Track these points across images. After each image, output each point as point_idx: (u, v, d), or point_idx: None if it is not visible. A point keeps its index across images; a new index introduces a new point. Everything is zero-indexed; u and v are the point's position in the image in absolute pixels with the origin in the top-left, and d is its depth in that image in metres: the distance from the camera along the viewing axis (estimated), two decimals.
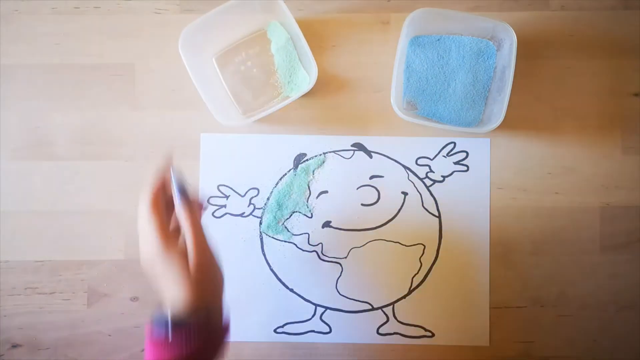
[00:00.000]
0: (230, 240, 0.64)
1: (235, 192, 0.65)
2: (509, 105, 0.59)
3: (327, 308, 0.64)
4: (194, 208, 0.49)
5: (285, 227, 0.64)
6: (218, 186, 0.65)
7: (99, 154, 0.65)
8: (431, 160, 0.65)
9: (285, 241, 0.64)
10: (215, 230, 0.64)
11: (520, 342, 0.64)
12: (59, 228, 0.65)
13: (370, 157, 0.65)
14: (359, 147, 0.65)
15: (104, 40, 0.66)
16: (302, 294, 0.64)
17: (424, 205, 0.64)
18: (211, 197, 0.65)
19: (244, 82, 0.65)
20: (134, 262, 0.64)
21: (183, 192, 0.49)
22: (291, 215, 0.65)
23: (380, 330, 0.64)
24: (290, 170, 0.65)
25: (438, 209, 0.65)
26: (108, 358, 0.64)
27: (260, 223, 0.65)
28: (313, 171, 0.65)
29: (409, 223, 0.64)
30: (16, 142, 0.65)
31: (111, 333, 0.64)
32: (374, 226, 0.64)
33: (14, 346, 0.64)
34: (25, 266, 0.65)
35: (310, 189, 0.65)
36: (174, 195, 0.49)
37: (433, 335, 0.64)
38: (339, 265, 0.64)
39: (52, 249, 0.65)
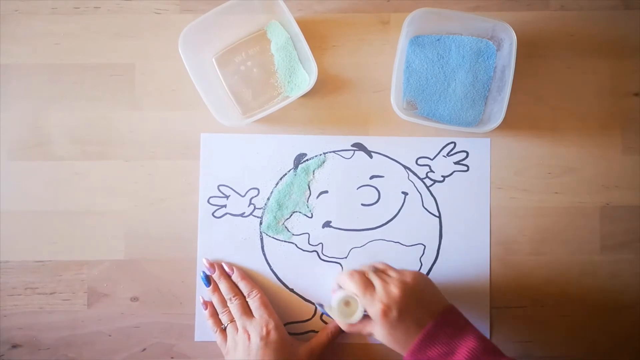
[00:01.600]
0: (230, 240, 0.64)
1: (236, 192, 0.65)
2: (509, 105, 0.59)
3: None
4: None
5: (286, 227, 0.64)
6: (218, 186, 0.65)
7: (99, 154, 0.65)
8: (431, 160, 0.65)
9: (285, 241, 0.64)
10: (216, 230, 0.64)
11: (520, 342, 0.64)
12: (59, 228, 0.65)
13: (371, 157, 0.65)
14: (359, 147, 0.65)
15: (104, 40, 0.66)
16: (302, 294, 0.64)
17: (424, 205, 0.65)
18: (211, 197, 0.65)
19: (243, 82, 0.65)
20: (134, 262, 0.64)
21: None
22: (291, 215, 0.65)
23: None
24: (290, 170, 0.65)
25: (438, 209, 0.65)
26: (108, 358, 0.64)
27: (261, 223, 0.65)
28: (313, 171, 0.65)
29: (409, 223, 0.64)
30: (16, 142, 0.65)
31: (111, 333, 0.64)
32: (374, 226, 0.64)
33: (14, 346, 0.64)
34: (25, 266, 0.65)
35: (311, 189, 0.65)
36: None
37: None
38: (339, 265, 0.64)
39: (52, 249, 0.65)
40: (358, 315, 0.53)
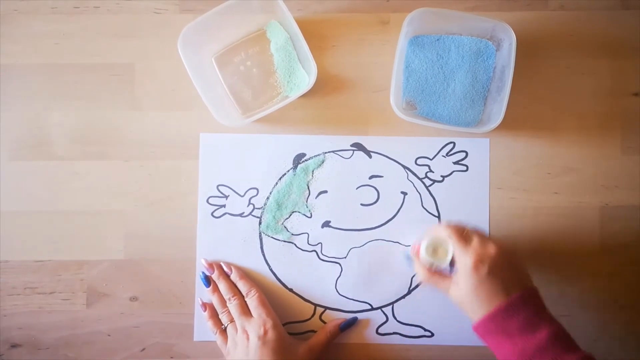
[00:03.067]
0: (230, 240, 0.64)
1: (235, 192, 0.65)
2: (508, 105, 0.59)
3: (326, 308, 0.64)
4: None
5: (285, 227, 0.64)
6: (217, 186, 0.65)
7: (99, 154, 0.65)
8: (430, 160, 0.65)
9: (284, 241, 0.64)
10: (215, 230, 0.64)
11: None
12: (59, 228, 0.65)
13: (370, 157, 0.65)
14: (359, 147, 0.65)
15: (104, 40, 0.66)
16: (301, 294, 0.64)
17: (424, 205, 0.64)
18: (210, 197, 0.65)
19: (243, 81, 0.65)
20: (134, 261, 0.64)
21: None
22: (290, 215, 0.65)
23: (380, 330, 0.64)
24: (289, 170, 0.65)
25: (437, 209, 0.65)
26: (108, 358, 0.64)
27: (260, 223, 0.65)
28: (312, 171, 0.65)
29: (409, 223, 0.64)
30: (16, 142, 0.65)
31: (110, 333, 0.64)
32: (374, 226, 0.64)
33: (14, 346, 0.64)
34: (25, 266, 0.65)
35: (310, 188, 0.65)
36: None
37: (432, 335, 0.64)
38: (338, 265, 0.64)
39: (52, 249, 0.65)
40: (448, 259, 0.53)
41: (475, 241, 0.52)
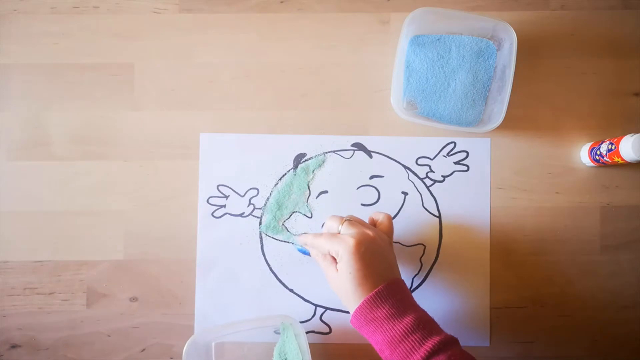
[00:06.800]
0: (230, 241, 0.64)
1: (235, 192, 0.65)
2: (509, 105, 0.59)
3: (327, 308, 0.64)
4: None
5: (285, 227, 0.64)
6: (218, 186, 0.65)
7: (99, 154, 0.65)
8: (431, 160, 0.65)
9: (285, 241, 0.64)
10: (215, 230, 0.64)
11: (520, 342, 0.64)
12: (59, 228, 0.65)
13: (370, 157, 0.65)
14: (359, 146, 0.65)
15: (103, 40, 0.66)
16: (302, 294, 0.64)
17: (424, 205, 0.64)
18: (210, 197, 0.65)
19: None
20: (134, 262, 0.64)
21: None
22: (291, 215, 0.64)
23: None
24: (290, 170, 0.65)
25: (438, 209, 0.64)
26: (107, 358, 0.64)
27: (260, 223, 0.65)
28: (313, 171, 0.65)
29: (409, 223, 0.64)
30: (16, 142, 0.65)
31: (110, 333, 0.64)
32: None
33: (13, 346, 0.64)
34: (24, 266, 0.64)
35: (310, 188, 0.65)
36: None
37: None
38: None
39: (52, 249, 0.65)
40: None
41: (354, 229, 0.53)
